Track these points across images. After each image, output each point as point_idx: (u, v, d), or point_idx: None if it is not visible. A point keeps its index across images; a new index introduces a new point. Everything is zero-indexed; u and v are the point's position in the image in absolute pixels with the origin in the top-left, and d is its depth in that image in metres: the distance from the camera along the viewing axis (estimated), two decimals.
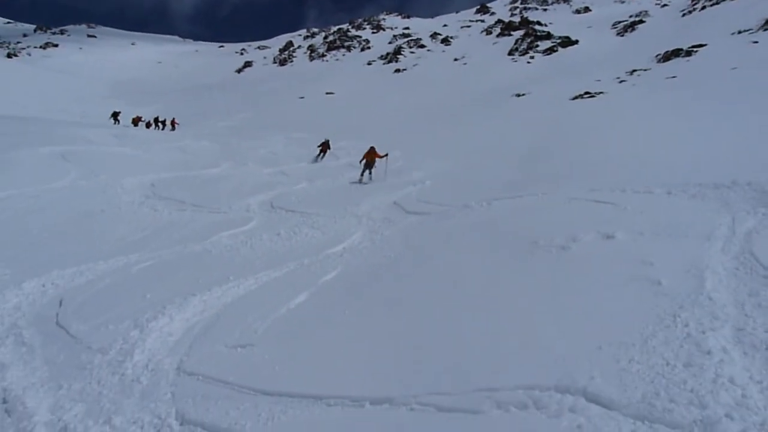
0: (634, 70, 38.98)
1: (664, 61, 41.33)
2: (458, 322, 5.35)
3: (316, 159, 22.75)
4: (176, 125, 40.30)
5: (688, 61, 38.70)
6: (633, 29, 64.89)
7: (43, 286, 8.91)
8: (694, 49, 40.88)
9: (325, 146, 23.31)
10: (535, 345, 4.52)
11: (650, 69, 38.82)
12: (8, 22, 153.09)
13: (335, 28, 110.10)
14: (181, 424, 4.58)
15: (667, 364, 3.88)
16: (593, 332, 4.51)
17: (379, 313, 6.08)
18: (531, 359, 4.33)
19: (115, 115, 39.85)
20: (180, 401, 4.95)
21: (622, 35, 64.52)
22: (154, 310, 7.31)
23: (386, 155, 17.82)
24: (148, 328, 6.77)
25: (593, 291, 5.34)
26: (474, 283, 6.35)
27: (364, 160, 17.49)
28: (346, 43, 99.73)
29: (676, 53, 41.74)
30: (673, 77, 31.62)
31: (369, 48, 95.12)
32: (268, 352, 5.65)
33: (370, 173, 17.37)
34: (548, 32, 71.25)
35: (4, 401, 5.37)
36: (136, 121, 39.76)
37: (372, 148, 17.95)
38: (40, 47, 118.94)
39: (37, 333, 7.10)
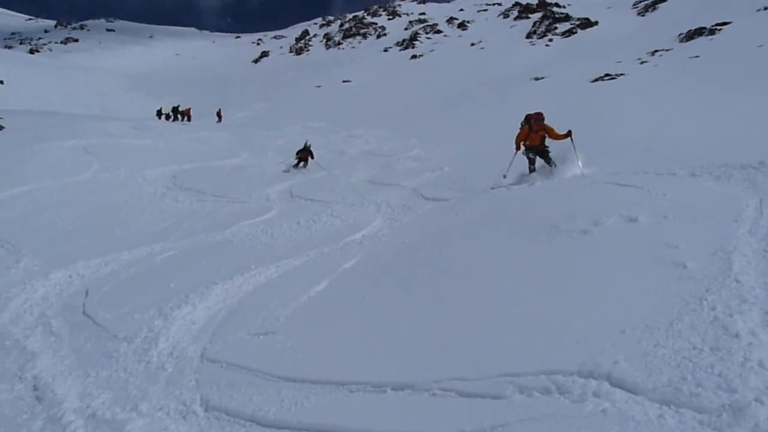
0: (656, 51, 38.28)
1: (686, 41, 40.52)
2: (478, 307, 5.34)
3: (294, 167, 19.22)
4: (221, 117, 39.67)
5: (711, 39, 37.91)
6: (654, 8, 63.63)
7: (70, 276, 9.07)
8: (718, 27, 40.00)
9: (305, 153, 19.39)
10: (557, 330, 4.49)
11: (672, 49, 38.12)
12: (30, 19, 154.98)
13: (350, 16, 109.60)
14: (206, 410, 4.65)
15: (694, 348, 3.82)
16: (617, 316, 4.47)
17: (399, 300, 6.09)
18: (553, 344, 4.30)
19: (175, 111, 39.65)
20: (204, 388, 5.02)
21: (643, 15, 63.36)
22: (178, 298, 7.40)
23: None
24: (171, 317, 6.86)
25: (616, 275, 5.28)
26: (494, 267, 6.32)
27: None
28: (362, 31, 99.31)
29: (699, 32, 40.90)
30: (697, 57, 31.02)
31: (385, 35, 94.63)
32: (289, 339, 5.70)
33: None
34: (567, 14, 70.23)
35: (35, 388, 5.49)
36: (160, 114, 40.09)
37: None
38: (61, 42, 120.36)
39: (64, 322, 7.24)
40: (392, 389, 4.26)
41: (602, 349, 4.02)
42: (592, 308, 4.70)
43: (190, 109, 39.66)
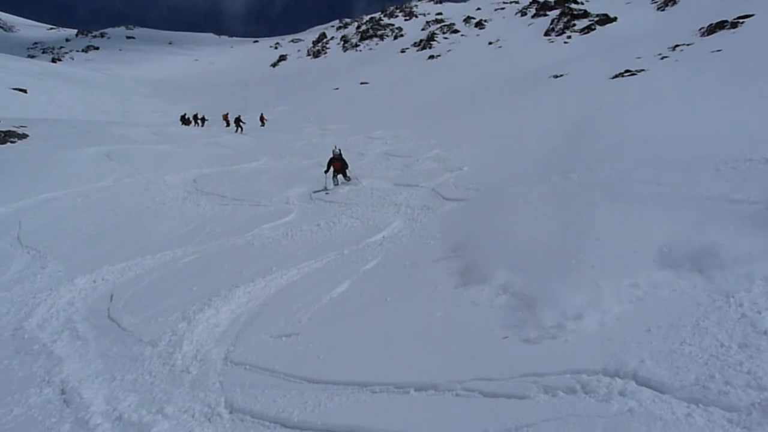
0: (677, 46, 37.70)
1: (708, 35, 39.85)
2: (501, 308, 5.30)
3: (332, 183, 15.54)
4: (265, 121, 37.99)
5: (733, 33, 37.22)
6: (674, 3, 62.67)
7: (95, 281, 9.22)
8: (741, 21, 39.26)
9: (338, 163, 15.53)
10: (581, 328, 4.44)
11: (693, 43, 37.50)
12: (51, 28, 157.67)
13: (367, 18, 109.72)
14: (231, 413, 4.68)
15: (721, 345, 3.75)
16: (642, 315, 4.41)
17: (420, 301, 6.07)
18: (578, 343, 4.26)
19: (195, 117, 39.46)
20: (229, 390, 5.06)
21: (663, 9, 62.44)
22: (201, 302, 7.48)
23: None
24: (195, 320, 6.93)
25: (641, 273, 5.20)
26: (516, 264, 6.27)
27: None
28: (379, 32, 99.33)
29: (720, 25, 40.17)
30: (719, 51, 30.45)
31: (402, 36, 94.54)
32: (312, 340, 5.72)
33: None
34: (585, 10, 69.50)
35: (63, 392, 5.58)
36: (184, 119, 40.22)
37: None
38: (82, 51, 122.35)
39: (90, 327, 7.36)
40: (415, 390, 4.25)
41: (627, 348, 3.97)
42: (616, 306, 4.64)
43: (228, 114, 38.57)
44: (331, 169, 15.58)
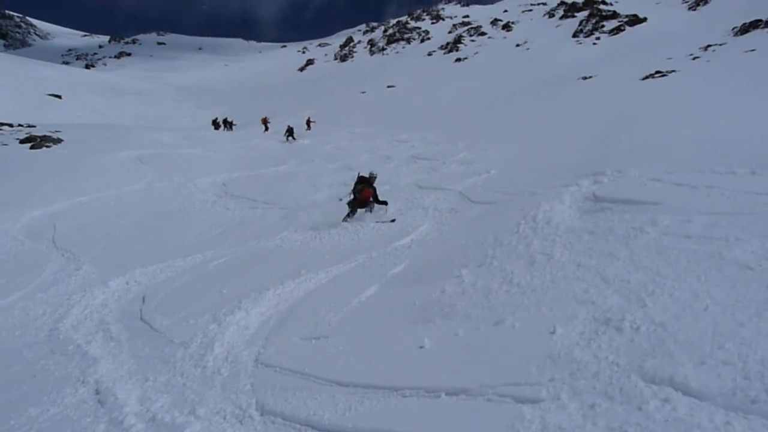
0: (709, 46, 37.02)
1: (741, 34, 39.08)
2: (532, 311, 5.25)
3: (349, 214, 12.37)
4: (312, 124, 37.01)
5: None
6: (705, 2, 61.51)
7: (127, 283, 9.39)
8: None
9: (366, 192, 12.51)
10: (618, 332, 4.37)
11: (726, 43, 36.80)
12: (85, 35, 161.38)
13: (394, 21, 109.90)
14: (262, 415, 4.71)
15: (762, 351, 3.66)
16: (676, 319, 4.33)
17: (451, 305, 6.04)
18: (612, 347, 4.20)
19: (290, 132, 37.70)
20: (260, 392, 5.10)
21: (694, 9, 61.32)
22: (231, 304, 7.56)
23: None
24: (225, 322, 7.00)
25: (674, 276, 5.11)
26: (545, 269, 6.20)
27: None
28: (406, 36, 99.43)
29: (754, 25, 39.34)
30: (752, 50, 29.80)
31: (429, 39, 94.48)
32: (342, 343, 5.73)
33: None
34: (614, 11, 68.64)
35: (97, 392, 5.68)
36: (216, 123, 40.60)
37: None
38: (115, 57, 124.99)
39: (123, 328, 7.49)
40: (446, 394, 4.22)
41: (666, 353, 3.90)
42: (653, 310, 4.56)
43: (266, 118, 38.29)
44: (354, 198, 12.47)
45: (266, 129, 35.78)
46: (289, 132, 30.95)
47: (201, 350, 6.35)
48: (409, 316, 6.05)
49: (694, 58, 34.15)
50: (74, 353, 6.89)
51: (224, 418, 4.78)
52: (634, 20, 63.81)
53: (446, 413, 4.00)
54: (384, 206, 12.82)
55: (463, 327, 5.34)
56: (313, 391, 4.84)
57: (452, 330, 5.35)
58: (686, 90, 22.23)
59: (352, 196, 12.54)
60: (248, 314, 7.22)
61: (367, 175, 12.90)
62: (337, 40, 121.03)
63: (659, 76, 29.67)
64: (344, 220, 12.15)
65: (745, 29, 39.66)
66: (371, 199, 12.65)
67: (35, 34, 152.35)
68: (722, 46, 36.25)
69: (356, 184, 12.63)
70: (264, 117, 37.84)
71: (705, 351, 3.80)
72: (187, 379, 5.69)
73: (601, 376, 3.87)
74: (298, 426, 4.39)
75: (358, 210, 12.52)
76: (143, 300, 8.47)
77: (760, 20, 39.34)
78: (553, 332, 4.66)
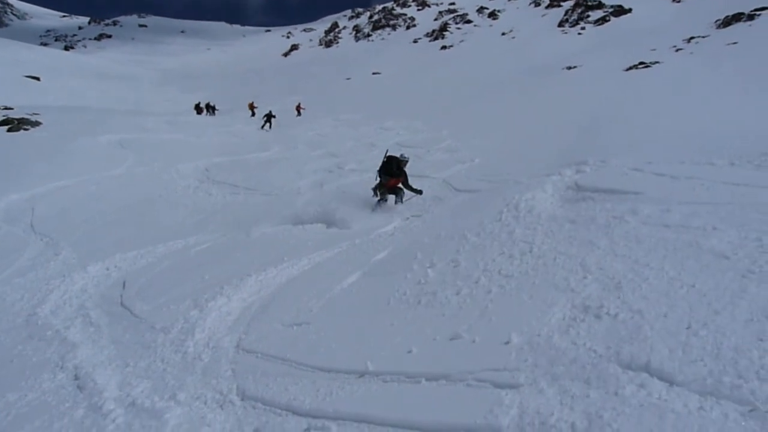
0: (692, 38, 37.34)
1: (723, 27, 39.45)
2: (513, 298, 5.29)
3: (380, 201, 11.67)
4: (302, 110, 36.62)
5: (750, 25, 36.79)
6: None
7: (107, 269, 9.31)
8: (757, 12, 38.77)
9: (396, 179, 11.59)
10: (596, 319, 4.43)
11: (709, 36, 37.14)
12: (64, 16, 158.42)
13: (380, 7, 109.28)
14: (242, 400, 4.71)
15: (736, 338, 3.73)
16: (656, 305, 4.39)
17: (431, 292, 6.07)
18: (590, 334, 4.25)
19: (207, 106, 38.60)
20: (240, 378, 5.09)
21: (679, 1, 61.72)
22: (213, 290, 7.52)
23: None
24: (207, 308, 6.97)
25: (652, 264, 5.18)
26: (526, 257, 6.25)
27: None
28: (392, 22, 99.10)
29: (737, 17, 39.72)
30: (734, 43, 30.12)
31: (414, 26, 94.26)
32: (323, 329, 5.74)
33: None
34: (600, 2, 68.88)
35: (76, 378, 5.64)
36: (198, 107, 40.20)
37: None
38: (95, 39, 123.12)
39: (103, 314, 7.43)
40: (426, 380, 4.25)
41: (641, 339, 3.96)
42: (629, 297, 4.62)
43: (253, 102, 37.90)
44: (380, 183, 11.51)
45: (253, 114, 35.51)
46: (268, 118, 29.58)
47: (182, 336, 6.31)
48: (391, 302, 6.06)
49: (677, 50, 34.44)
50: (53, 338, 6.81)
51: (205, 403, 4.78)
52: (620, 11, 64.19)
53: (426, 398, 4.03)
54: (417, 195, 11.69)
55: (444, 313, 5.38)
56: (294, 377, 4.85)
57: (433, 316, 5.38)
58: (669, 81, 22.43)
59: (378, 180, 11.58)
60: (230, 300, 7.19)
61: (398, 157, 11.52)
62: (322, 25, 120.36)
63: (643, 67, 29.90)
64: (377, 204, 11.47)
65: (727, 22, 40.04)
66: (400, 186, 11.60)
67: (12, 13, 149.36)
68: (705, 38, 36.58)
69: (383, 165, 11.43)
70: (251, 102, 37.56)
71: (681, 338, 3.86)
72: (167, 365, 5.66)
73: (579, 362, 3.92)
74: (279, 411, 4.40)
75: (388, 197, 11.57)
76: (123, 285, 8.40)
77: (743, 13, 39.72)
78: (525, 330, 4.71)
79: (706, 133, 11.07)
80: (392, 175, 11.36)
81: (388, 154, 11.67)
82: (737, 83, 18.02)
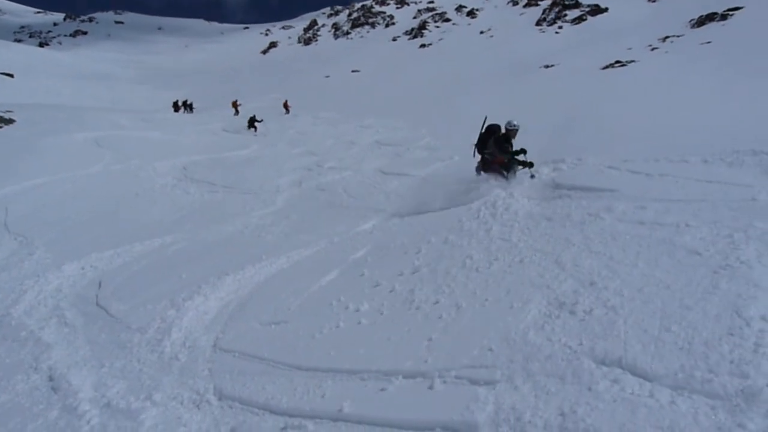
0: (667, 37, 37.88)
1: (698, 26, 40.07)
2: (489, 295, 5.32)
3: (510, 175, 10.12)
4: (290, 108, 36.03)
5: (723, 25, 37.44)
6: None
7: (83, 268, 9.19)
8: (730, 13, 39.48)
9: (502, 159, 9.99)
10: (571, 315, 4.48)
11: (684, 35, 37.71)
12: (38, 12, 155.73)
13: (359, 5, 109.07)
14: (219, 399, 4.69)
15: (707, 333, 3.80)
16: (628, 302, 4.46)
17: (410, 289, 6.09)
18: (565, 330, 4.30)
19: (185, 104, 38.79)
20: (217, 377, 5.07)
21: (654, 1, 62.50)
22: (190, 289, 7.46)
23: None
24: (184, 307, 6.92)
25: (626, 261, 5.25)
26: (503, 254, 6.30)
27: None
28: (371, 20, 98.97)
29: (710, 17, 40.38)
30: (708, 43, 30.64)
31: (393, 24, 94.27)
32: (301, 328, 5.73)
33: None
34: (577, 1, 69.49)
35: (50, 379, 5.57)
36: (176, 105, 39.76)
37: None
38: (70, 35, 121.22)
39: (78, 314, 7.34)
40: (403, 377, 4.27)
41: (615, 335, 4.02)
42: (602, 293, 4.68)
43: (236, 101, 36.69)
44: (483, 160, 10.14)
45: (237, 112, 35.01)
46: (252, 122, 27.04)
47: (158, 335, 6.26)
48: (368, 300, 6.07)
49: (652, 49, 34.91)
50: (27, 339, 6.72)
51: (181, 404, 4.74)
52: (596, 10, 64.83)
53: (403, 396, 4.05)
54: (529, 168, 9.74)
55: (422, 310, 5.40)
56: (271, 376, 4.84)
57: (411, 314, 5.39)
58: (645, 80, 22.73)
59: (478, 157, 10.11)
60: (207, 299, 7.15)
61: (502, 129, 9.85)
62: (300, 23, 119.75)
63: (619, 66, 30.27)
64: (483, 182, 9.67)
65: (701, 22, 40.66)
66: (507, 161, 9.76)
67: None
68: (680, 37, 37.12)
69: (482, 135, 9.92)
70: (234, 100, 37.10)
71: (653, 333, 3.93)
72: (143, 365, 5.61)
73: (554, 358, 3.96)
74: (256, 410, 4.39)
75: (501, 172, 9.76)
76: (99, 285, 8.30)
77: (716, 13, 40.38)
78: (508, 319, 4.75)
79: (681, 131, 11.25)
80: (500, 150, 9.64)
81: (486, 125, 9.94)
82: (711, 82, 18.33)
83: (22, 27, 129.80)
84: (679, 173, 7.88)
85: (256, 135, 26.00)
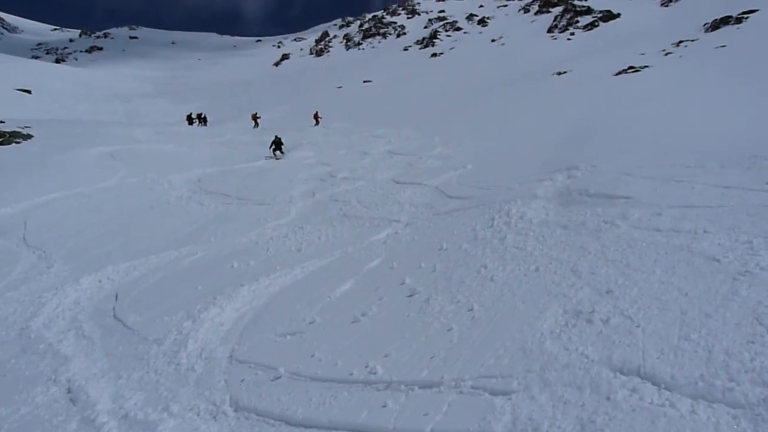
0: (681, 41, 37.57)
1: (712, 30, 39.69)
2: (504, 304, 5.30)
3: None
4: (320, 119, 34.58)
5: (738, 28, 37.07)
6: None
7: (100, 281, 9.27)
8: (745, 16, 39.07)
9: None
10: (588, 324, 4.45)
11: (697, 39, 37.37)
12: (55, 29, 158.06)
13: (370, 16, 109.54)
14: (236, 411, 4.71)
15: (727, 341, 3.75)
16: (645, 310, 4.41)
17: (424, 299, 6.07)
18: (582, 339, 4.27)
19: (199, 117, 39.19)
20: (233, 388, 5.08)
21: (667, 5, 62.08)
22: (205, 301, 7.50)
23: None
24: (200, 319, 6.96)
25: (643, 268, 5.21)
26: (518, 263, 6.27)
27: None
28: (382, 30, 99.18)
29: (725, 21, 39.98)
30: (723, 46, 30.34)
31: (405, 34, 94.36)
32: (316, 339, 5.73)
33: None
34: (588, 7, 69.15)
35: (69, 391, 5.62)
36: (190, 118, 39.95)
37: None
38: (86, 51, 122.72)
39: (96, 326, 7.40)
40: (419, 387, 4.26)
41: (633, 343, 3.98)
42: (622, 302, 4.64)
43: (256, 113, 36.38)
44: None
45: (256, 125, 34.89)
46: (277, 145, 22.84)
47: (175, 347, 6.30)
48: (384, 310, 6.06)
49: (666, 54, 34.64)
50: (45, 352, 6.79)
51: (198, 415, 4.76)
52: (608, 16, 64.49)
53: (420, 406, 4.03)
54: None
55: (437, 320, 5.38)
56: (286, 387, 4.85)
57: (426, 323, 5.38)
58: (659, 85, 22.57)
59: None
60: (223, 311, 7.18)
61: None
62: (312, 34, 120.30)
63: (632, 72, 30.06)
64: None
65: (716, 25, 40.29)
66: None
67: (3, 27, 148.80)
68: (694, 42, 36.81)
69: None
70: (254, 113, 36.98)
71: (672, 342, 3.88)
72: (160, 377, 5.65)
73: (572, 367, 3.93)
74: (272, 421, 4.39)
75: None
76: (116, 297, 8.36)
77: (731, 16, 40.01)
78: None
79: (697, 136, 11.14)
80: None
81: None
82: (727, 86, 18.15)
83: (39, 44, 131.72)
84: (695, 179, 7.79)
85: (279, 157, 22.65)
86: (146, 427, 4.69)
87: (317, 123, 34.04)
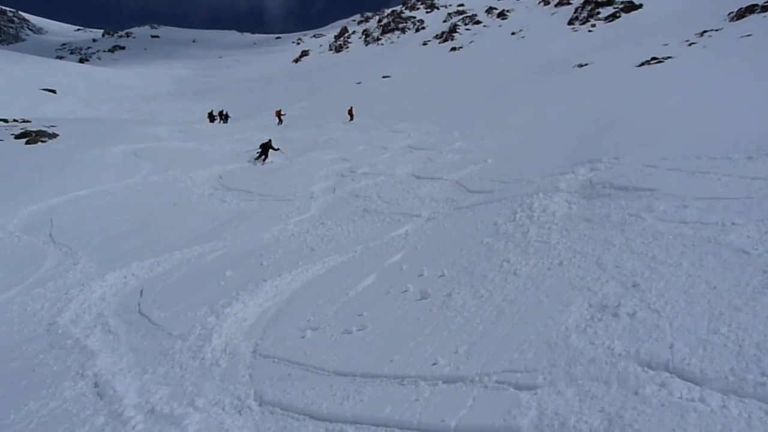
0: (705, 31, 36.89)
1: (737, 19, 38.90)
2: (528, 298, 5.25)
3: None
4: (353, 114, 33.92)
5: (764, 17, 36.27)
6: None
7: (125, 277, 9.40)
8: None
9: None
10: (614, 318, 4.39)
11: (722, 28, 36.65)
12: (78, 29, 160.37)
13: (389, 11, 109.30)
14: (260, 405, 4.73)
15: (758, 335, 3.67)
16: (672, 304, 4.34)
17: (447, 294, 6.05)
18: (608, 333, 4.21)
19: (220, 114, 39.40)
20: (258, 383, 5.11)
21: None
22: (229, 296, 7.57)
23: None
24: (223, 314, 7.01)
25: (670, 261, 5.12)
26: (542, 257, 6.21)
27: None
28: (401, 25, 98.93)
29: (750, 9, 39.13)
30: (748, 36, 29.70)
31: (424, 28, 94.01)
32: (339, 333, 5.74)
33: None
34: None
35: (96, 385, 5.70)
36: (212, 116, 40.20)
37: None
38: (109, 51, 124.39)
39: (121, 322, 7.51)
40: (443, 382, 4.24)
41: (661, 337, 3.91)
42: (649, 295, 4.57)
43: (280, 110, 36.63)
44: None
45: (280, 122, 34.92)
46: (264, 149, 21.12)
47: (199, 342, 6.36)
48: (406, 304, 6.05)
49: (690, 44, 34.05)
50: (73, 347, 6.90)
51: (223, 409, 4.80)
52: (630, 6, 63.57)
53: (444, 401, 4.02)
54: None
55: (460, 314, 5.36)
56: (310, 381, 4.86)
57: (449, 318, 5.36)
58: (682, 76, 22.18)
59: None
60: (246, 306, 7.23)
61: None
62: (331, 31, 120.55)
63: (655, 63, 29.59)
64: None
65: (741, 14, 39.47)
66: None
67: (28, 29, 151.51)
68: (718, 31, 36.11)
69: None
70: (278, 110, 37.07)
71: (701, 335, 3.82)
72: (185, 371, 5.70)
73: (598, 361, 3.89)
74: (297, 416, 4.41)
75: None
76: (141, 293, 8.48)
77: (756, 5, 39.17)
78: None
79: (721, 127, 10.93)
80: None
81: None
82: (752, 76, 17.77)
83: (63, 44, 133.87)
84: (721, 170, 7.64)
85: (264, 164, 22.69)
86: (172, 421, 4.74)
87: (351, 118, 33.95)
